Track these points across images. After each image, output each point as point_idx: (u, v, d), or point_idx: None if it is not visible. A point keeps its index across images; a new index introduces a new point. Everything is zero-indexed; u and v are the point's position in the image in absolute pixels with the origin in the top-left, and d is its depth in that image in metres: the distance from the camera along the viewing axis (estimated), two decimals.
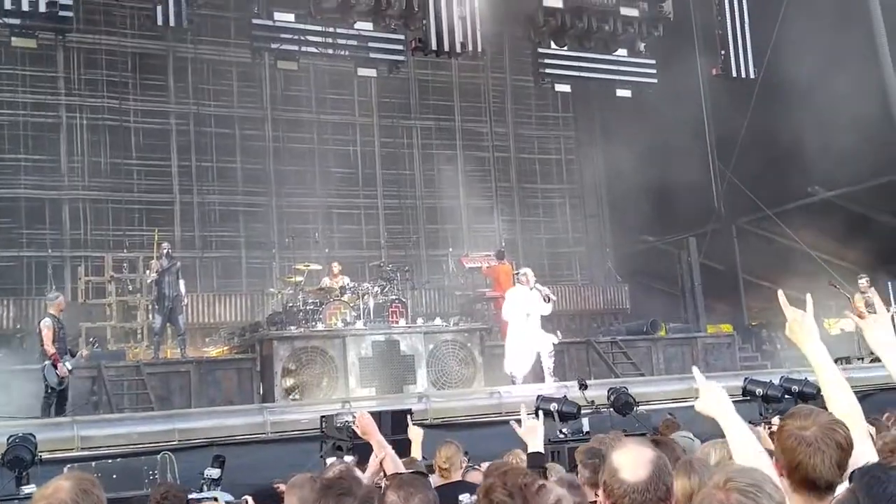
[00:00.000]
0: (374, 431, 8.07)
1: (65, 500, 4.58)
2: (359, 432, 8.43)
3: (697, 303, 31.34)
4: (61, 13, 23.85)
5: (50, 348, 18.71)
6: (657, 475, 4.35)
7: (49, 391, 18.63)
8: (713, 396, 4.97)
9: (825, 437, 4.42)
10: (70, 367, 18.65)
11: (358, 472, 7.21)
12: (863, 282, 24.82)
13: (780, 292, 5.61)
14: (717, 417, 4.98)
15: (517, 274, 23.43)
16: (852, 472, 4.16)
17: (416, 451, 8.80)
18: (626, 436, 9.45)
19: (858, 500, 3.51)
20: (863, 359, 24.98)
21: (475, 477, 9.14)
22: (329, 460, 10.30)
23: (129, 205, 31.05)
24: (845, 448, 4.43)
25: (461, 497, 7.58)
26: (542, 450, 8.29)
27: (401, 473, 6.39)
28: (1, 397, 18.84)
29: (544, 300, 21.98)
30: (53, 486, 4.68)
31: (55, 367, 18.52)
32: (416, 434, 8.95)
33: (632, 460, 4.38)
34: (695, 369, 5.36)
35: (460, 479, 9.43)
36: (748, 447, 4.79)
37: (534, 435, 8.15)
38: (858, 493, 3.54)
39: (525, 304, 22.05)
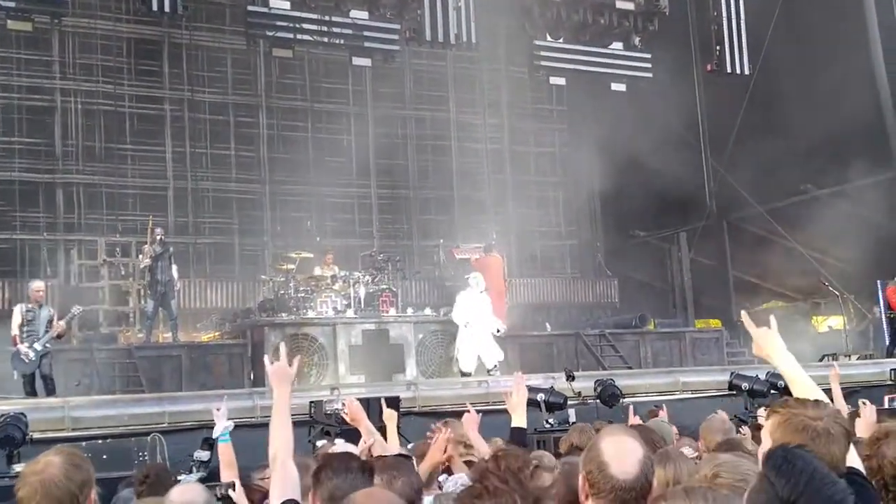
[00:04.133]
0: (362, 418, 8.18)
1: (56, 475, 4.62)
2: (347, 419, 8.52)
3: (686, 298, 31.43)
4: None
5: (13, 331, 18.68)
6: (644, 472, 4.32)
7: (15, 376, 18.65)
8: (766, 341, 5.18)
9: (837, 426, 4.37)
10: (38, 349, 18.44)
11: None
12: None
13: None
14: (773, 361, 5.20)
15: (466, 278, 23.75)
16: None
17: (393, 434, 8.60)
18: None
19: (770, 481, 3.51)
20: (849, 356, 25.13)
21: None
22: (319, 443, 10.40)
23: (123, 189, 31.00)
24: (849, 437, 4.45)
25: (441, 479, 7.52)
26: (524, 425, 8.34)
27: (385, 456, 6.46)
28: None
29: (495, 331, 22.66)
30: (44, 462, 4.72)
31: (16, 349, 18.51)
32: (390, 416, 8.81)
33: (621, 455, 4.33)
34: (744, 315, 5.55)
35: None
36: (807, 387, 5.00)
37: (521, 409, 8.23)
38: (769, 473, 3.54)
39: (473, 308, 22.66)
